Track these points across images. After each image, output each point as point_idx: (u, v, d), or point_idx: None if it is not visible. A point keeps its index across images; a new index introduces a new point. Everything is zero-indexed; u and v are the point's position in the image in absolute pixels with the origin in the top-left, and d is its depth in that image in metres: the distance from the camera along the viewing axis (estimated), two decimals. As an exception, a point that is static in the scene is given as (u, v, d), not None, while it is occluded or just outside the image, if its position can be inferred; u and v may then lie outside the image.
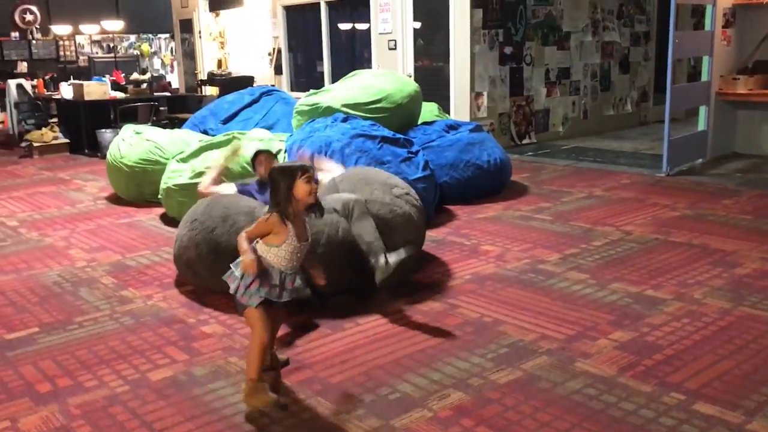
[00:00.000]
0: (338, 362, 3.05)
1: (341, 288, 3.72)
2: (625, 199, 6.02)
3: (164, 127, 8.99)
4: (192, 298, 3.89)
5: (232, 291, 2.62)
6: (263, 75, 11.88)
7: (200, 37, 13.43)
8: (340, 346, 3.21)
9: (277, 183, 2.58)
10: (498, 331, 3.33)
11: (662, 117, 6.92)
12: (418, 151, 5.56)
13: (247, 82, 10.45)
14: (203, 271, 3.82)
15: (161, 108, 10.68)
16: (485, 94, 8.63)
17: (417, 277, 4.11)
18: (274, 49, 11.40)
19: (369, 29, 9.68)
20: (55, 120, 10.86)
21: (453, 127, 6.35)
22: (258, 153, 4.85)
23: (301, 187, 2.57)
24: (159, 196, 5.76)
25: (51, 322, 3.62)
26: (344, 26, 10.30)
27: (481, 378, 2.88)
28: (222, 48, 13.59)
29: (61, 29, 13.97)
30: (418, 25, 9.08)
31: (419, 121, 6.57)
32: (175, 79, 14.99)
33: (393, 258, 3.53)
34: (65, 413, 2.69)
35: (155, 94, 10.60)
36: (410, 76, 8.88)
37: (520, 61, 8.97)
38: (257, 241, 2.60)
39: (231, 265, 2.64)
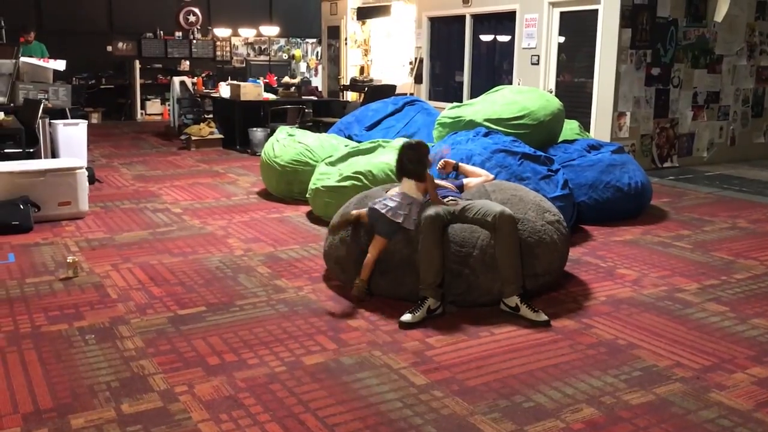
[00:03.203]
0: (474, 367, 3.25)
1: (493, 295, 3.91)
2: (772, 232, 5.82)
3: (310, 129, 9.53)
4: (339, 293, 4.22)
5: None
6: (403, 83, 12.27)
7: (346, 43, 14.05)
8: (476, 353, 3.41)
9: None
10: (632, 354, 3.40)
11: (820, 149, 6.58)
12: (558, 170, 5.65)
13: (389, 90, 10.83)
14: (352, 269, 4.13)
15: (307, 110, 11.30)
16: (628, 114, 8.53)
17: (553, 294, 4.23)
18: (416, 58, 11.76)
19: (510, 41, 9.80)
20: (210, 116, 11.74)
21: (594, 147, 6.37)
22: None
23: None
24: (307, 195, 6.18)
25: (216, 303, 4.05)
26: (486, 38, 10.47)
27: (614, 397, 2.98)
28: (365, 55, 14.14)
29: (221, 32, 15.02)
30: (562, 39, 9.11)
31: (560, 139, 6.64)
32: (318, 83, 15.73)
33: (524, 310, 3.79)
34: (232, 385, 3.05)
35: (303, 97, 11.21)
36: (551, 92, 8.93)
37: (667, 83, 8.78)
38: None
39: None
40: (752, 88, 9.67)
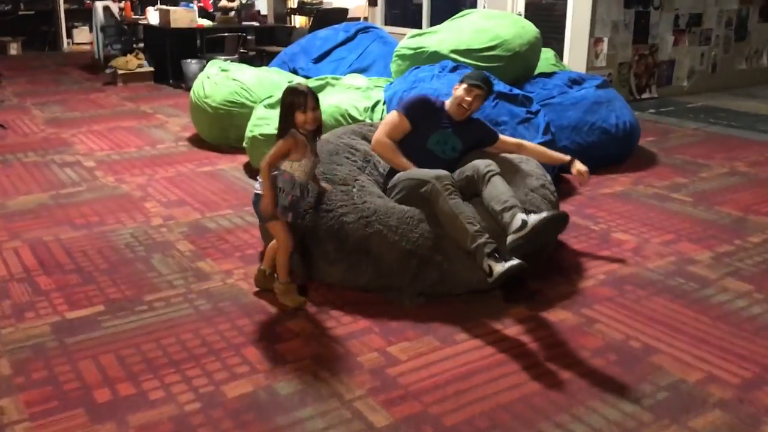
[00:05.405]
0: (452, 394, 2.47)
1: (471, 284, 3.11)
2: (777, 178, 5.12)
3: (251, 61, 8.46)
4: (277, 280, 3.36)
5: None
6: (356, 5, 11.13)
7: (292, -39, 12.71)
8: (452, 369, 2.62)
9: (283, 109, 2.96)
10: (651, 363, 2.66)
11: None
12: (538, 111, 4.80)
13: (340, 15, 9.72)
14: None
15: (249, 38, 10.13)
16: (605, 40, 7.66)
17: (542, 270, 3.44)
18: (369, -22, 10.59)
19: (476, -40, 8.74)
20: (140, 46, 10.48)
21: (577, 81, 5.51)
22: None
23: (299, 117, 2.91)
24: (244, 144, 5.24)
25: (118, 299, 3.17)
26: (447, -45, 9.38)
27: (639, 437, 2.24)
28: (314, -26, 12.83)
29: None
30: (532, -44, 8.10)
31: (536, 72, 5.76)
32: (263, 5, 14.37)
33: (533, 218, 2.93)
34: (124, 437, 2.22)
35: (243, 23, 10.02)
36: (520, 15, 7.99)
37: (647, 5, 7.90)
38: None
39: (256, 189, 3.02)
40: (736, 9, 8.85)
